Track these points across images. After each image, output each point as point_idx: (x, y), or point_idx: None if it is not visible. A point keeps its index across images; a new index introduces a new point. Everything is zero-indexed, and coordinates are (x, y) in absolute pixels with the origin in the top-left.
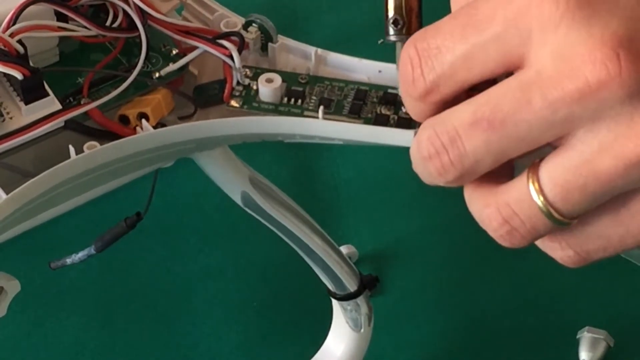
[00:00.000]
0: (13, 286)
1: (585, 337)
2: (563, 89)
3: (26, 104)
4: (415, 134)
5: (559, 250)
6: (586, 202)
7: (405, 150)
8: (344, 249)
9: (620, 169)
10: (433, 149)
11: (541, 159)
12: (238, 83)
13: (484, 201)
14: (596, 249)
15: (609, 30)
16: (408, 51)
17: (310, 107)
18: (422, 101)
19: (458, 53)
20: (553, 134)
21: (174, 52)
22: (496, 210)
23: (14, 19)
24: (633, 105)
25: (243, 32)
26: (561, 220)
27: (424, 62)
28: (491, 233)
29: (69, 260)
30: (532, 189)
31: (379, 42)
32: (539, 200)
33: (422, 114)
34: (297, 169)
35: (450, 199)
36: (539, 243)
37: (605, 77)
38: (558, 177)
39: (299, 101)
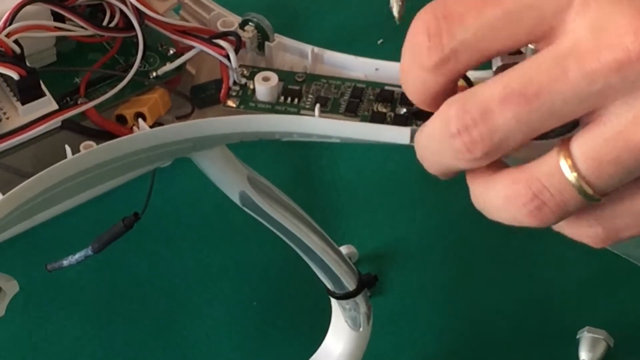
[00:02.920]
0: (11, 287)
1: (585, 337)
2: (600, 59)
3: (23, 104)
4: (412, 131)
5: (587, 227)
6: (619, 175)
7: (405, 149)
8: (344, 249)
9: None
10: (462, 124)
11: (570, 137)
12: (235, 82)
13: (511, 178)
14: (625, 227)
15: None
16: (425, 17)
17: (307, 106)
18: (433, 72)
19: (486, 20)
20: (587, 107)
21: (171, 51)
22: (526, 186)
23: (11, 19)
24: None
25: (240, 31)
26: (592, 196)
27: (446, 29)
28: (517, 211)
29: (65, 262)
30: (564, 164)
31: (379, 42)
32: (571, 175)
33: (428, 89)
34: (297, 169)
35: (450, 199)
36: (563, 224)
37: None
38: (591, 150)
39: (296, 100)
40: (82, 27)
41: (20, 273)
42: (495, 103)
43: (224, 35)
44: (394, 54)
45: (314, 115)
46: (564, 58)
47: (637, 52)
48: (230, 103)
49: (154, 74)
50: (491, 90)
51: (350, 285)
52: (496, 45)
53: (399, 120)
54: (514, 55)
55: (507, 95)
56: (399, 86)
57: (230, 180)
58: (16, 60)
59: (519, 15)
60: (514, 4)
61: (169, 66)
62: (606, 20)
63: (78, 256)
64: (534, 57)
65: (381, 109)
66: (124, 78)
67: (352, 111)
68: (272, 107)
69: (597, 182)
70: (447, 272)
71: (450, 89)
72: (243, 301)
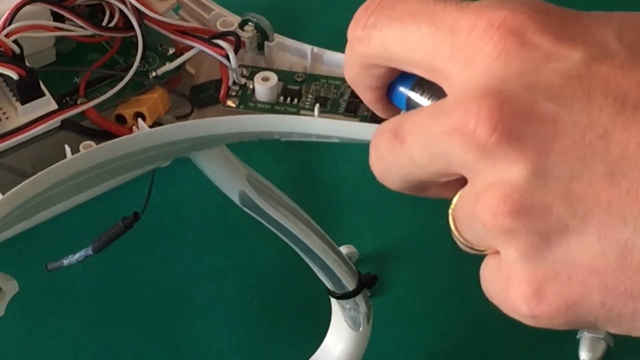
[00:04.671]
0: (11, 287)
1: (585, 337)
2: (440, 124)
3: (22, 104)
4: None
5: None
6: (470, 235)
7: None
8: (344, 249)
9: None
10: (373, 144)
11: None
12: (234, 82)
13: None
14: None
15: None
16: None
17: (307, 106)
18: (352, 47)
19: (399, 31)
20: (443, 168)
21: (171, 51)
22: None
23: (10, 19)
24: (485, 161)
25: (239, 31)
26: (465, 244)
27: (376, 14)
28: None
29: (65, 262)
30: (450, 211)
31: None
32: (451, 221)
33: (349, 60)
34: (297, 169)
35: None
36: None
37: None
38: (454, 205)
39: (295, 100)
40: (81, 27)
41: (20, 273)
42: (386, 133)
43: (223, 35)
44: None
45: (313, 115)
46: (433, 113)
47: (475, 132)
48: (229, 103)
49: (154, 74)
50: (390, 121)
51: (350, 285)
52: (397, 59)
53: None
54: None
55: (390, 129)
56: None
57: (230, 180)
58: (16, 60)
59: (420, 36)
60: (418, 25)
61: (168, 66)
62: (469, 90)
63: (78, 256)
64: (428, 106)
65: None
66: (123, 78)
67: (351, 111)
68: (271, 107)
69: (462, 234)
70: (447, 272)
71: (372, 85)
72: (243, 301)
